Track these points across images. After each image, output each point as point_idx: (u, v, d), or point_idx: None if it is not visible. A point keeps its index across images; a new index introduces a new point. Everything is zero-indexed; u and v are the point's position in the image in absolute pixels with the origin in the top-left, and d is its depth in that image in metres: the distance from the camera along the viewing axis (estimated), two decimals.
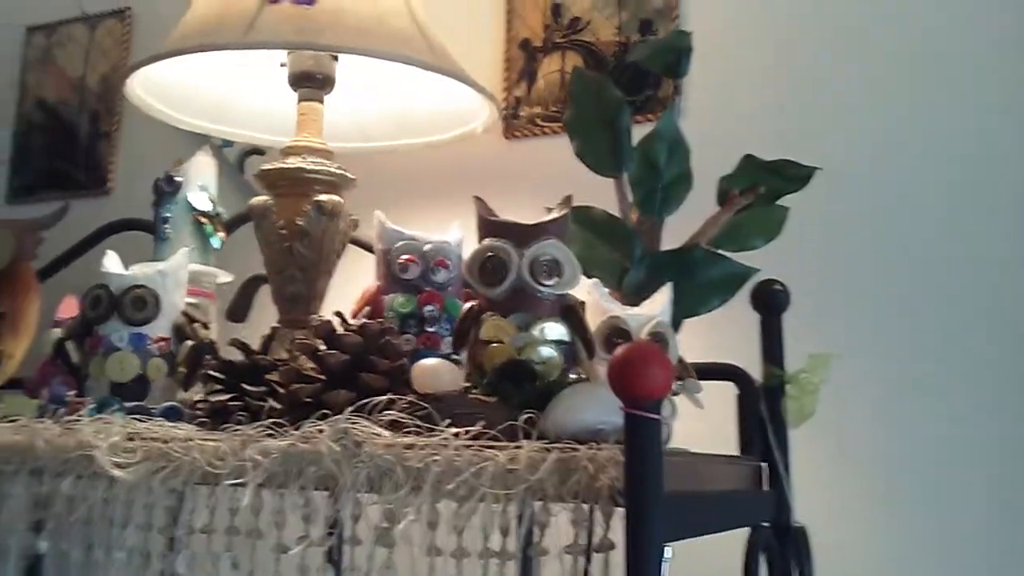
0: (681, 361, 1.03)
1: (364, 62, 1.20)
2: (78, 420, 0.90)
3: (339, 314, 0.95)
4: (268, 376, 0.95)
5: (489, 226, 0.90)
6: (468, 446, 0.70)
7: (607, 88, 1.12)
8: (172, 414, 0.97)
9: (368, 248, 1.28)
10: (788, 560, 1.03)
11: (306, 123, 1.19)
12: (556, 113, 1.47)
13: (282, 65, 1.22)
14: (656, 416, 0.61)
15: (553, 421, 0.77)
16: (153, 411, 0.97)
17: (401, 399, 0.81)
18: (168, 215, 1.30)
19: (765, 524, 1.00)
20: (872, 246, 1.30)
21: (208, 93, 1.33)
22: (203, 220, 1.30)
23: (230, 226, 1.37)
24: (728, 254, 1.10)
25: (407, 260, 1.04)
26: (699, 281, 1.08)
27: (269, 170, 1.17)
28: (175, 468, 0.79)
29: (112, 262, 1.07)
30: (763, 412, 1.07)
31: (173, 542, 0.86)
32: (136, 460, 0.81)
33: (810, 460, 1.12)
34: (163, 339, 1.04)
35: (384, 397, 0.79)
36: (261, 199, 1.17)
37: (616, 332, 0.95)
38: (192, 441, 0.81)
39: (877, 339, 1.28)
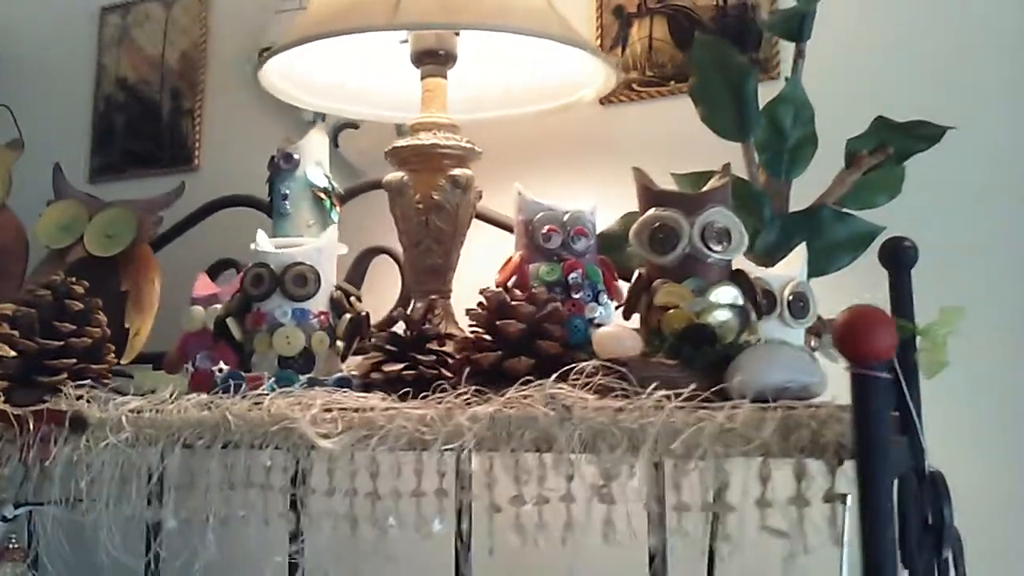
0: (819, 318, 1.07)
1: (478, 37, 1.23)
2: (264, 395, 0.93)
3: (503, 286, 0.99)
4: (431, 346, 0.99)
5: (655, 196, 0.93)
6: (681, 407, 0.74)
7: (732, 55, 1.14)
8: (344, 384, 1.02)
9: (486, 219, 1.32)
10: (925, 506, 1.07)
11: (431, 99, 1.22)
12: (652, 78, 1.49)
13: (403, 42, 1.25)
14: (885, 375, 0.65)
15: (742, 382, 0.81)
16: (326, 382, 1.01)
17: (586, 365, 0.85)
18: (287, 191, 1.32)
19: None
20: (996, 198, 1.30)
21: (324, 74, 1.35)
22: (321, 195, 1.33)
23: (343, 200, 1.40)
24: (853, 212, 1.13)
25: (550, 230, 1.08)
26: (828, 240, 1.11)
27: (402, 147, 1.20)
28: (383, 436, 0.83)
29: (265, 241, 1.11)
30: (895, 364, 1.11)
31: (375, 506, 0.90)
32: (339, 430, 0.85)
33: (941, 406, 1.16)
34: (323, 313, 1.08)
35: (584, 364, 0.83)
36: (396, 175, 1.21)
37: (761, 293, 0.99)
38: (395, 409, 0.85)
39: (1006, 286, 1.29)
